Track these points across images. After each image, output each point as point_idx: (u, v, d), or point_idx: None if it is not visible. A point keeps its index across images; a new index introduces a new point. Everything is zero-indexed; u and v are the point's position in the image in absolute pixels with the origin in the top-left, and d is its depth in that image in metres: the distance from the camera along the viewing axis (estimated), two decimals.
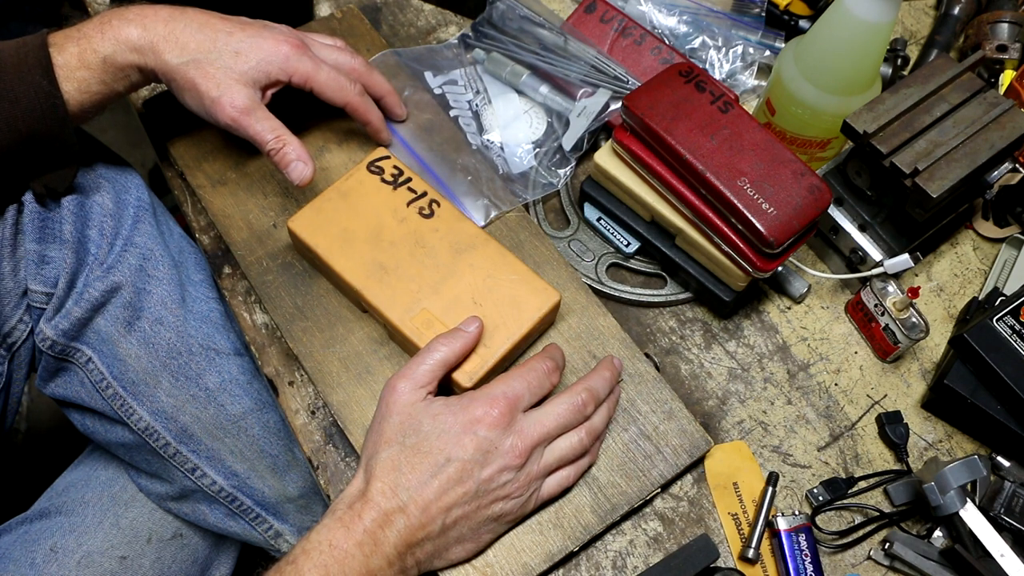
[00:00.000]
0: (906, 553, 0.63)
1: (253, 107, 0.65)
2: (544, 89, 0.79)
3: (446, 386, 0.62)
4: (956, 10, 0.90)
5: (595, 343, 0.68)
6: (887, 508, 0.67)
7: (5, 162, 0.62)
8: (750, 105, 0.86)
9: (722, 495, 0.66)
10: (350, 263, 0.65)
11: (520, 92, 0.81)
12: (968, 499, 0.62)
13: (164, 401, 0.70)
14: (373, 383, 0.66)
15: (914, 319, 0.70)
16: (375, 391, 0.65)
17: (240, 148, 0.75)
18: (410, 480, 0.55)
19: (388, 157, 0.70)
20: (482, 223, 0.73)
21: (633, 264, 0.75)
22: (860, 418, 0.71)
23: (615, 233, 0.74)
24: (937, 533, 0.65)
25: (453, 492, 0.55)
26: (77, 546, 0.75)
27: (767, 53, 0.85)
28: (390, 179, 0.69)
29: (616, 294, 0.73)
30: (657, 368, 0.69)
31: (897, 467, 0.69)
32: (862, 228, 0.73)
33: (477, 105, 0.80)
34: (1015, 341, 0.67)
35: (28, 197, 0.67)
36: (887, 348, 0.72)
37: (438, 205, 0.68)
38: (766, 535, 0.65)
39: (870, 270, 0.72)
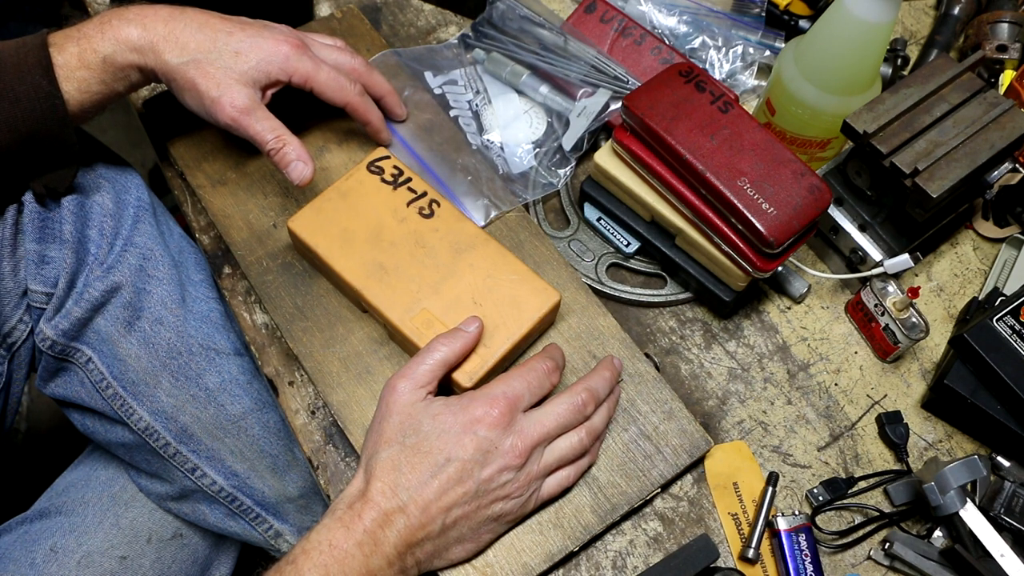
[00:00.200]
0: (906, 553, 0.63)
1: (253, 107, 0.65)
2: (544, 89, 0.79)
3: (446, 386, 0.62)
4: (956, 10, 0.90)
5: (595, 343, 0.68)
6: (887, 508, 0.67)
7: (5, 162, 0.62)
8: (750, 105, 0.86)
9: (722, 495, 0.66)
10: (350, 263, 0.65)
11: (520, 92, 0.81)
12: (968, 499, 0.62)
13: (164, 401, 0.70)
14: (373, 383, 0.66)
15: (914, 319, 0.70)
16: (375, 391, 0.65)
17: (240, 148, 0.75)
18: (410, 480, 0.55)
19: (388, 157, 0.70)
20: (482, 223, 0.73)
21: (633, 264, 0.75)
22: (860, 418, 0.71)
23: (615, 233, 0.74)
24: (937, 533, 0.65)
25: (453, 492, 0.55)
26: (77, 546, 0.75)
27: (767, 53, 0.85)
28: (390, 179, 0.69)
29: (616, 294, 0.73)
30: (657, 368, 0.69)
31: (897, 467, 0.69)
32: (862, 228, 0.73)
33: (477, 105, 0.80)
34: (1015, 341, 0.67)
35: (28, 197, 0.67)
36: (887, 348, 0.72)
37: (438, 205, 0.68)
38: (766, 535, 0.65)
39: (870, 270, 0.72)
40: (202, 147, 0.75)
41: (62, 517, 0.77)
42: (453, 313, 0.64)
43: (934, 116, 0.68)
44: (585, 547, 0.63)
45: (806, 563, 0.62)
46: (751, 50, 0.85)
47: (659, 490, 0.64)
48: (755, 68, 0.85)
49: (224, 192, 0.74)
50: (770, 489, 0.65)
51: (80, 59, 0.61)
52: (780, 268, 0.74)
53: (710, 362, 0.72)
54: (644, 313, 0.74)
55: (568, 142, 0.77)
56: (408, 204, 0.68)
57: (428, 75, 0.81)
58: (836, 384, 0.73)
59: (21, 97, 0.60)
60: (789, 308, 0.76)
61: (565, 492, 0.62)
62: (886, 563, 0.65)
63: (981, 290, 0.78)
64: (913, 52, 0.92)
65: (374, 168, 0.69)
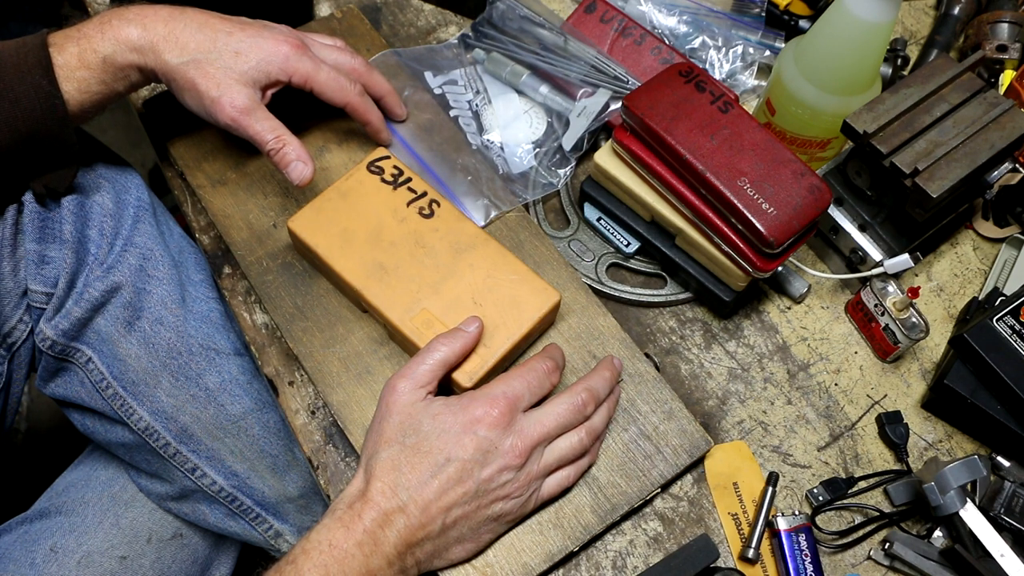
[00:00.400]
0: (906, 553, 0.63)
1: (253, 107, 0.65)
2: (544, 89, 0.79)
3: (446, 386, 0.62)
4: (956, 10, 0.90)
5: (595, 343, 0.68)
6: (887, 508, 0.67)
7: (5, 162, 0.62)
8: (750, 105, 0.86)
9: (722, 495, 0.66)
10: (350, 263, 0.65)
11: (520, 92, 0.81)
12: (968, 499, 0.62)
13: (164, 401, 0.70)
14: (373, 383, 0.66)
15: (914, 319, 0.70)
16: (375, 391, 0.65)
17: (240, 148, 0.75)
18: (410, 480, 0.55)
19: (388, 157, 0.70)
20: (482, 223, 0.73)
21: (633, 264, 0.75)
22: (860, 418, 0.71)
23: (615, 233, 0.74)
24: (937, 533, 0.65)
25: (453, 492, 0.55)
26: (77, 546, 0.75)
27: (767, 53, 0.85)
28: (390, 179, 0.69)
29: (616, 294, 0.73)
30: (657, 368, 0.69)
31: (897, 467, 0.69)
32: (862, 228, 0.73)
33: (477, 105, 0.80)
34: (1015, 341, 0.67)
35: (28, 197, 0.67)
36: (887, 348, 0.72)
37: (438, 205, 0.68)
38: (766, 535, 0.65)
39: (870, 270, 0.72)
40: (202, 147, 0.75)
41: (62, 517, 0.77)
42: (453, 313, 0.64)
43: (934, 116, 0.68)
44: (585, 547, 0.63)
45: (806, 563, 0.62)
46: (751, 50, 0.85)
47: (659, 490, 0.64)
48: (755, 68, 0.85)
49: (224, 192, 0.74)
50: (770, 489, 0.65)
51: (80, 59, 0.62)
52: (780, 268, 0.74)
53: (710, 362, 0.72)
54: (644, 313, 0.74)
55: (568, 142, 0.77)
56: (408, 204, 0.68)
57: (428, 75, 0.81)
58: (836, 384, 0.73)
59: (21, 97, 0.60)
60: (789, 308, 0.76)
61: (565, 492, 0.62)
62: (886, 563, 0.65)
63: (981, 290, 0.78)
64: (913, 52, 0.92)
65: (374, 168, 0.69)
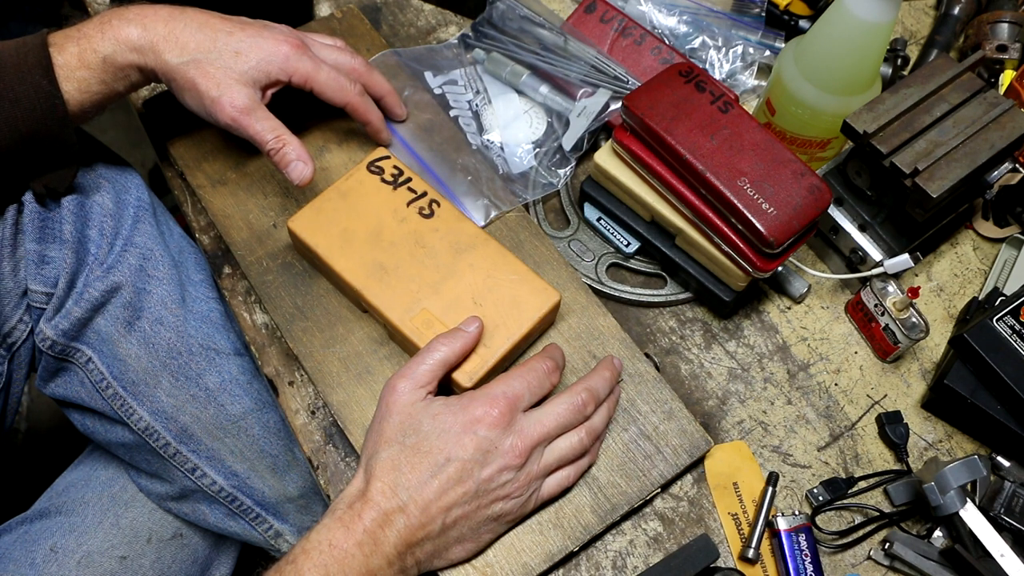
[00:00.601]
0: (906, 553, 0.63)
1: (253, 107, 0.65)
2: (544, 89, 0.79)
3: (446, 386, 0.62)
4: (956, 10, 0.90)
5: (595, 343, 0.68)
6: (887, 508, 0.67)
7: (5, 162, 0.62)
8: (750, 105, 0.86)
9: (722, 495, 0.66)
10: (350, 263, 0.65)
11: (520, 92, 0.81)
12: (968, 499, 0.62)
13: (164, 401, 0.70)
14: (373, 383, 0.66)
15: (914, 319, 0.70)
16: (375, 391, 0.65)
17: (240, 148, 0.75)
18: (410, 480, 0.55)
19: (388, 157, 0.70)
20: (482, 223, 0.73)
21: (633, 264, 0.75)
22: (860, 418, 0.71)
23: (615, 233, 0.74)
24: (937, 533, 0.65)
25: (453, 492, 0.55)
26: (77, 546, 0.75)
27: (767, 53, 0.85)
28: (390, 179, 0.69)
29: (616, 294, 0.73)
30: (657, 368, 0.69)
31: (897, 467, 0.69)
32: (862, 228, 0.73)
33: (477, 105, 0.80)
34: (1015, 341, 0.67)
35: (28, 197, 0.67)
36: (887, 348, 0.72)
37: (438, 205, 0.68)
38: (766, 535, 0.65)
39: (870, 270, 0.72)
40: (202, 147, 0.75)
41: (62, 517, 0.77)
42: (453, 313, 0.64)
43: (934, 116, 0.68)
44: (585, 547, 0.63)
45: (806, 563, 0.62)
46: (751, 50, 0.85)
47: (659, 490, 0.64)
48: (755, 68, 0.85)
49: (224, 192, 0.74)
50: (770, 489, 0.65)
51: (80, 59, 0.62)
52: (780, 268, 0.74)
53: (710, 362, 0.72)
54: (644, 313, 0.74)
55: (568, 142, 0.77)
56: (408, 204, 0.68)
57: (428, 75, 0.81)
58: (836, 384, 0.73)
59: (21, 97, 0.60)
60: (789, 308, 0.76)
61: (565, 492, 0.62)
62: (886, 563, 0.65)
63: (981, 290, 0.78)
64: (913, 52, 0.92)
65: (374, 168, 0.69)
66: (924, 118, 0.68)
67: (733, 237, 0.65)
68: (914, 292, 0.72)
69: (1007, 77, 0.84)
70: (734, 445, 0.69)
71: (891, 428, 0.69)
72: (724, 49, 0.85)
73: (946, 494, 0.61)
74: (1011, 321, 0.68)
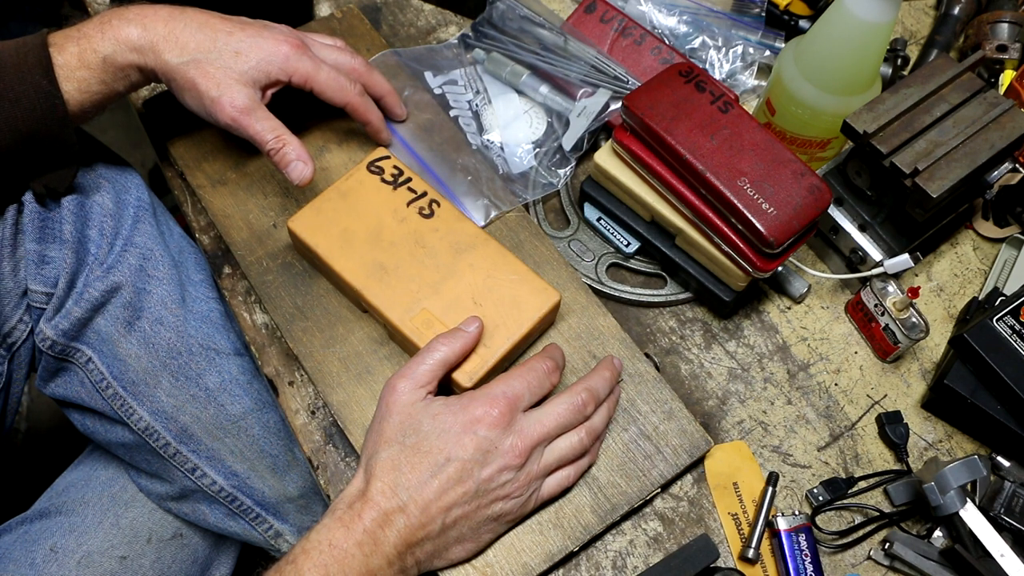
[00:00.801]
0: (906, 553, 0.63)
1: (253, 107, 0.65)
2: (544, 89, 0.79)
3: (446, 386, 0.62)
4: (956, 10, 0.90)
5: (595, 343, 0.68)
6: (887, 508, 0.67)
7: (5, 162, 0.62)
8: (750, 105, 0.86)
9: (722, 495, 0.66)
10: (350, 263, 0.65)
11: (520, 92, 0.81)
12: (968, 499, 0.62)
13: (164, 401, 0.70)
14: (373, 383, 0.66)
15: (914, 319, 0.70)
16: (375, 391, 0.65)
17: (240, 148, 0.75)
18: (410, 480, 0.55)
19: (388, 157, 0.70)
20: (482, 223, 0.73)
21: (633, 264, 0.75)
22: (860, 418, 0.71)
23: (615, 233, 0.74)
24: (937, 533, 0.65)
25: (453, 492, 0.55)
26: (77, 546, 0.75)
27: (767, 53, 0.85)
28: (390, 179, 0.69)
29: (616, 294, 0.73)
30: (657, 368, 0.69)
31: (897, 467, 0.69)
32: (862, 228, 0.73)
33: (477, 105, 0.80)
34: (1015, 341, 0.67)
35: (28, 197, 0.67)
36: (887, 348, 0.72)
37: (438, 205, 0.68)
38: (766, 535, 0.65)
39: (870, 270, 0.72)
40: (202, 147, 0.75)
41: (62, 517, 0.77)
42: (453, 313, 0.64)
43: (934, 116, 0.68)
44: (585, 547, 0.63)
45: (806, 563, 0.62)
46: (751, 50, 0.85)
47: (659, 490, 0.64)
48: (755, 68, 0.85)
49: (224, 192, 0.74)
50: (770, 489, 0.65)
51: (80, 59, 0.62)
52: (780, 268, 0.74)
53: (710, 362, 0.72)
54: (644, 313, 0.74)
55: (568, 142, 0.77)
56: (408, 204, 0.68)
57: (428, 75, 0.81)
58: (836, 384, 0.73)
59: (21, 97, 0.60)
60: (789, 308, 0.76)
61: (565, 492, 0.62)
62: (886, 563, 0.65)
63: (981, 290, 0.78)
64: (913, 52, 0.92)
65: (374, 168, 0.69)
66: (924, 118, 0.68)
67: (733, 237, 0.65)
68: (914, 292, 0.72)
69: (1007, 77, 0.84)
70: (734, 445, 0.69)
71: (891, 428, 0.69)
72: (724, 49, 0.85)
73: (946, 494, 0.61)
74: (1011, 321, 0.68)
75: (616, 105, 0.77)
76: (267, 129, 0.65)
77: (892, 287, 0.71)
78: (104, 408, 0.71)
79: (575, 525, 0.61)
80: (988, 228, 0.80)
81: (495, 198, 0.74)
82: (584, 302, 0.70)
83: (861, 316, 0.74)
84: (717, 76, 0.84)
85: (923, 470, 0.65)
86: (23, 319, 0.69)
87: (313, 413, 0.67)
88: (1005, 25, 0.85)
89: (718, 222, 0.66)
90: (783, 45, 0.86)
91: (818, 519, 0.66)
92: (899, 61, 0.86)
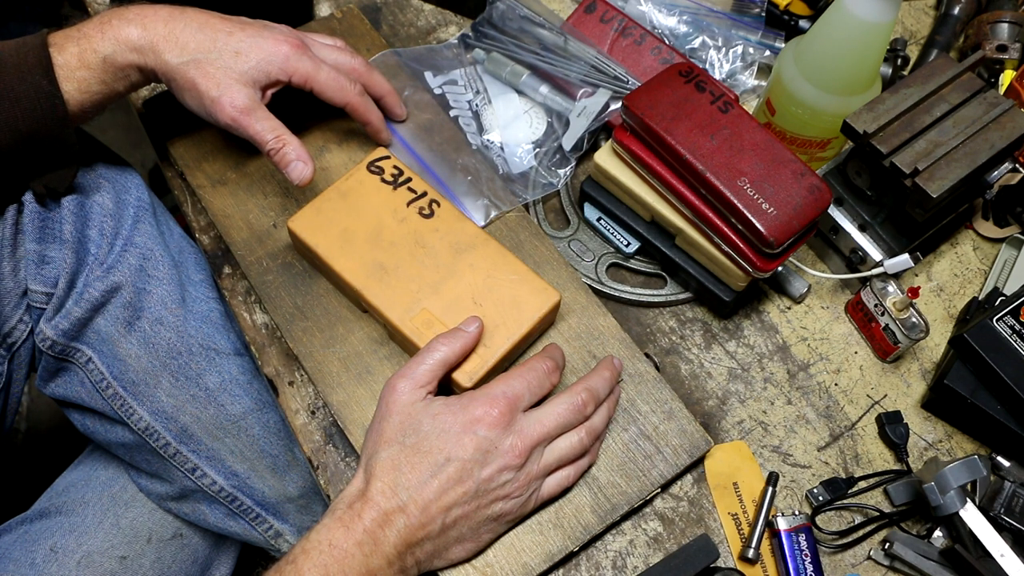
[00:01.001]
0: (906, 553, 0.63)
1: (253, 107, 0.65)
2: (544, 89, 0.79)
3: (446, 386, 0.62)
4: (956, 10, 0.90)
5: (595, 343, 0.68)
6: (887, 508, 0.67)
7: (5, 162, 0.62)
8: (750, 105, 0.86)
9: (722, 495, 0.66)
10: (350, 263, 0.65)
11: (520, 92, 0.81)
12: (968, 499, 0.62)
13: (164, 401, 0.70)
14: (373, 383, 0.66)
15: (914, 319, 0.70)
16: (375, 391, 0.65)
17: (240, 148, 0.75)
18: (410, 479, 0.55)
19: (388, 157, 0.70)
20: (482, 223, 0.73)
21: (633, 264, 0.75)
22: (860, 418, 0.71)
23: (615, 233, 0.74)
24: (937, 533, 0.65)
25: (453, 492, 0.55)
26: (77, 546, 0.75)
27: (767, 53, 0.85)
28: (390, 179, 0.69)
29: (616, 294, 0.73)
30: (657, 368, 0.69)
31: (897, 467, 0.69)
32: (862, 228, 0.73)
33: (477, 105, 0.80)
34: (1015, 341, 0.67)
35: (28, 197, 0.67)
36: (887, 348, 0.72)
37: (438, 205, 0.68)
38: (766, 535, 0.65)
39: (870, 270, 0.72)
40: (202, 147, 0.75)
41: (62, 517, 0.77)
42: (453, 313, 0.64)
43: (934, 116, 0.68)
44: (585, 547, 0.63)
45: (806, 563, 0.62)
46: (751, 50, 0.85)
47: (659, 490, 0.64)
48: (755, 68, 0.85)
49: (224, 192, 0.74)
50: (770, 489, 0.65)
51: (80, 59, 0.62)
52: (780, 268, 0.74)
53: (710, 362, 0.72)
54: (644, 313, 0.74)
55: (568, 142, 0.77)
56: (408, 204, 0.68)
57: (428, 75, 0.81)
58: (836, 384, 0.73)
59: (21, 97, 0.60)
60: (789, 308, 0.76)
61: (565, 492, 0.62)
62: (886, 563, 0.65)
63: (981, 290, 0.78)
64: (913, 52, 0.92)
65: (374, 168, 0.69)
66: (924, 118, 0.68)
67: (733, 237, 0.65)
68: (914, 292, 0.72)
69: (1007, 77, 0.84)
70: (734, 445, 0.69)
71: (891, 428, 0.69)
72: (724, 49, 0.85)
73: (946, 494, 0.61)
74: (1011, 321, 0.68)
75: (616, 105, 0.77)
76: (267, 129, 0.65)
77: (892, 287, 0.71)
78: (104, 408, 0.71)
79: (575, 525, 0.61)
80: (988, 228, 0.80)
81: (495, 198, 0.74)
82: (584, 302, 0.70)
83: (861, 316, 0.74)
84: (717, 76, 0.84)
85: (923, 470, 0.65)
86: (23, 319, 0.69)
87: (313, 413, 0.67)
88: (1005, 25, 0.85)
89: (718, 222, 0.66)
90: (783, 45, 0.86)
91: (818, 519, 0.66)
92: (899, 61, 0.86)
